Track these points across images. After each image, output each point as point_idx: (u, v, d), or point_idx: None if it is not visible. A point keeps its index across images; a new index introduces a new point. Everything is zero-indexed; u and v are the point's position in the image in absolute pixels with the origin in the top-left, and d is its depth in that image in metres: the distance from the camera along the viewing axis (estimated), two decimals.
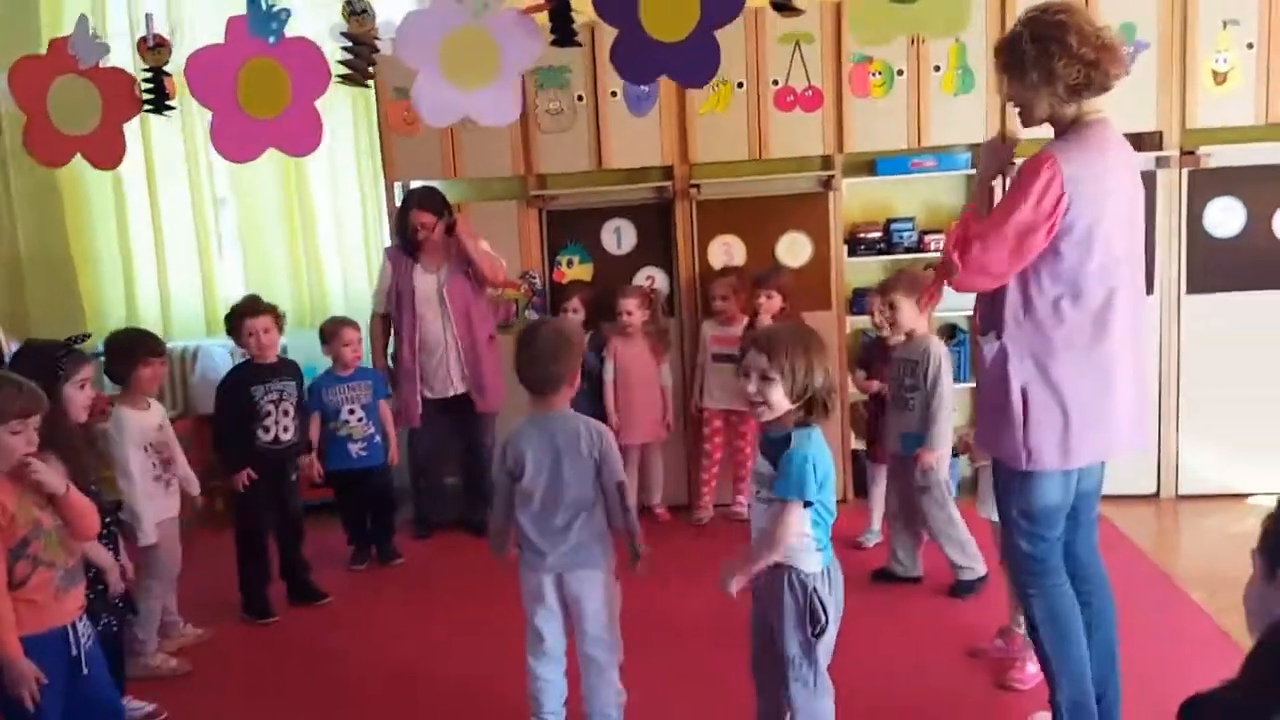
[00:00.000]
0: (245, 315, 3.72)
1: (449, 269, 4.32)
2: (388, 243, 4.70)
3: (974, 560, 3.54)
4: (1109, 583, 2.57)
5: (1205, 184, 4.30)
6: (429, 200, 4.36)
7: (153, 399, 3.42)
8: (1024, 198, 2.23)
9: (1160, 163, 4.29)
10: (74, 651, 2.32)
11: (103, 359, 3.37)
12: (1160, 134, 4.30)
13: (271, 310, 3.77)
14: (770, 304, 4.30)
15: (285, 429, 3.74)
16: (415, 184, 4.78)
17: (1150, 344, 4.36)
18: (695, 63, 2.84)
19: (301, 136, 2.93)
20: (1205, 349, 4.37)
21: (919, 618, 3.41)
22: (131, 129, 3.34)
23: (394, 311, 4.38)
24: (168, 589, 3.44)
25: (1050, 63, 2.26)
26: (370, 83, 3.06)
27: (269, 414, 3.69)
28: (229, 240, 5.31)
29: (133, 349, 3.30)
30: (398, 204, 4.65)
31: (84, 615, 2.38)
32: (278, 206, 5.14)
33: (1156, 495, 4.49)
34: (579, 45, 3.16)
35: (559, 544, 2.57)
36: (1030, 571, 2.45)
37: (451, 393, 4.37)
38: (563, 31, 2.85)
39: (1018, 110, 2.42)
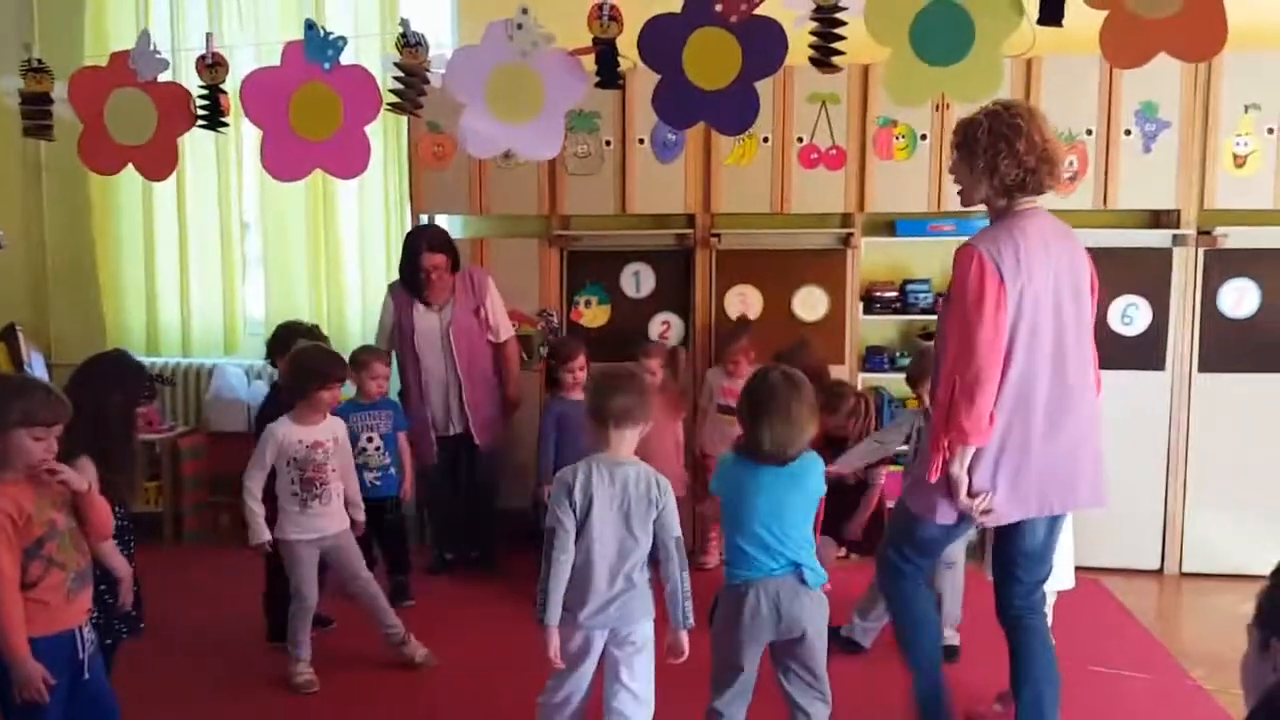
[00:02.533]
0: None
1: (454, 308, 4.26)
2: None
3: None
4: (1048, 641, 2.73)
5: (1221, 264, 4.34)
6: (439, 241, 4.27)
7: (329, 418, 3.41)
8: (976, 309, 2.39)
9: (1177, 240, 4.35)
10: (80, 655, 2.32)
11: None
12: (1178, 212, 4.36)
13: None
14: None
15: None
16: (438, 218, 4.85)
17: (1158, 420, 4.40)
18: (734, 111, 2.93)
19: (349, 159, 3.00)
20: (1214, 428, 4.38)
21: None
22: None
23: (396, 350, 4.34)
24: (299, 611, 3.34)
25: (996, 158, 2.47)
26: (420, 112, 3.12)
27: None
28: (253, 263, 5.35)
29: (320, 372, 3.32)
30: None
31: (90, 620, 2.38)
32: (303, 232, 5.17)
33: (1160, 571, 4.48)
34: (621, 88, 3.24)
35: (620, 595, 2.49)
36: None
37: (453, 431, 4.33)
38: (607, 74, 2.92)
39: (958, 189, 2.65)
